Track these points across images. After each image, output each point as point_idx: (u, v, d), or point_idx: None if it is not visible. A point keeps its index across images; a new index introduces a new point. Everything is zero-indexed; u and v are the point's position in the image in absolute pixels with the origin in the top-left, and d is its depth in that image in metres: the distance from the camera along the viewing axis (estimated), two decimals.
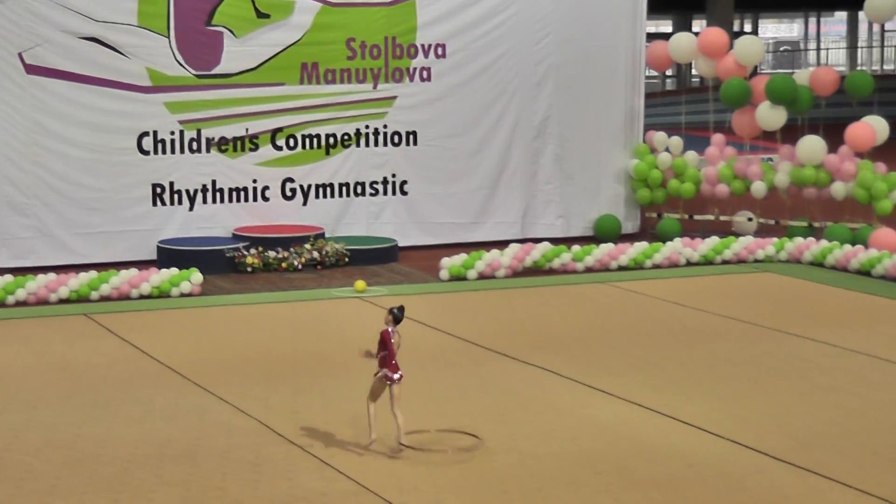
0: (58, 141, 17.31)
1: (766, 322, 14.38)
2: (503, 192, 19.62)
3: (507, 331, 13.94)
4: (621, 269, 17.69)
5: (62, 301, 15.35)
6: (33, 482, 9.07)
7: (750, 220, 19.93)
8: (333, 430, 10.21)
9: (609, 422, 10.54)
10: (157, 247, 17.49)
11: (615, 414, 10.79)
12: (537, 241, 18.13)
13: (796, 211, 19.73)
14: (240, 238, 17.70)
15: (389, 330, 9.67)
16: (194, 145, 18.05)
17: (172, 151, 17.93)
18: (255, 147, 18.38)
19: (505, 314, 14.86)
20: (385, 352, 9.65)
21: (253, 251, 17.23)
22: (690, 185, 19.90)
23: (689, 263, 18.05)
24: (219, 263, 17.05)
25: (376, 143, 18.98)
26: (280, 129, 18.46)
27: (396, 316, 9.72)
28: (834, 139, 19.02)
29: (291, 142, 18.54)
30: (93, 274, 15.65)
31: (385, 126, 19.00)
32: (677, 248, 18.07)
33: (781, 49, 65.32)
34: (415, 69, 19.05)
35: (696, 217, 20.27)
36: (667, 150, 20.24)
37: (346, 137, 18.81)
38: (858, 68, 53.08)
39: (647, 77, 21.57)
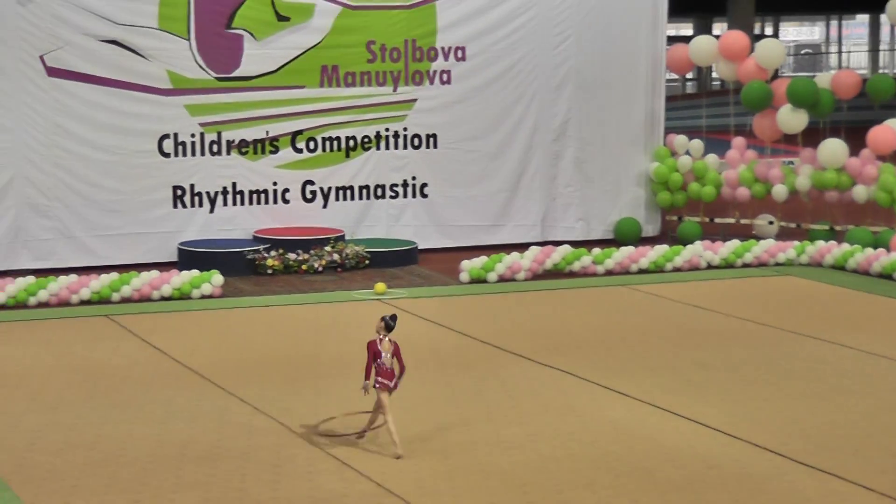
0: (79, 143, 17.37)
1: (787, 325, 14.35)
2: (523, 195, 19.61)
3: (526, 333, 13.94)
4: (641, 272, 17.67)
5: (83, 302, 15.40)
6: (55, 482, 9.10)
7: (771, 223, 19.88)
8: (353, 432, 10.21)
9: (628, 424, 10.53)
10: (178, 249, 17.54)
11: (634, 416, 10.78)
12: (557, 243, 18.13)
13: (817, 214, 19.68)
14: (260, 240, 17.73)
15: (377, 339, 9.74)
16: (215, 148, 18.09)
17: (193, 154, 17.98)
18: (276, 149, 18.41)
19: (525, 317, 14.86)
20: (379, 360, 9.72)
21: (273, 253, 17.26)
22: (711, 189, 19.87)
23: (709, 267, 18.02)
24: (239, 265, 17.09)
25: (396, 146, 19.00)
26: (300, 132, 18.49)
27: (388, 324, 9.79)
28: (855, 142, 18.97)
29: (312, 144, 18.57)
30: (114, 276, 15.69)
31: (405, 129, 19.02)
32: (698, 251, 18.05)
33: (803, 52, 65.19)
34: (435, 72, 19.06)
35: (717, 220, 20.22)
36: (687, 153, 20.21)
37: (366, 140, 18.83)
38: (880, 71, 52.95)
39: (668, 80, 21.52)
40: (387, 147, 18.95)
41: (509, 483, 9.13)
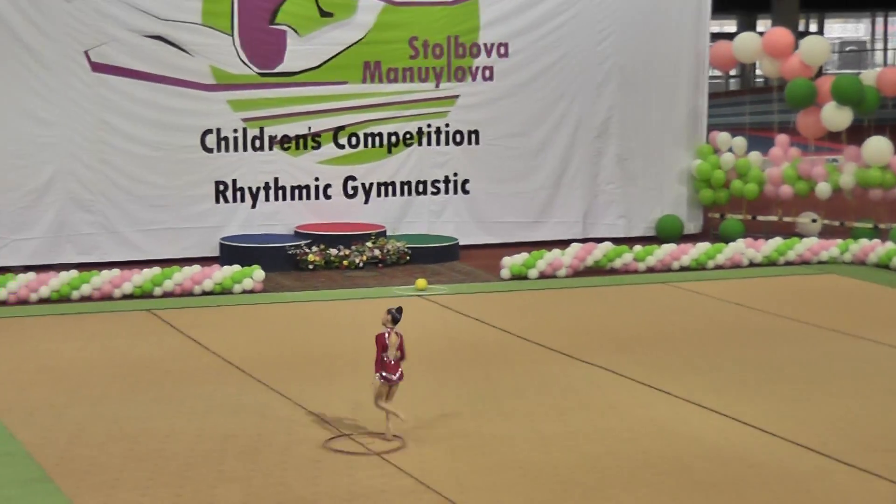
0: (122, 138, 17.46)
1: (830, 324, 14.27)
2: (565, 192, 19.58)
3: (567, 330, 13.92)
4: (683, 269, 17.62)
5: (126, 297, 15.48)
6: (98, 475, 9.16)
7: (814, 221, 19.77)
8: (393, 427, 10.22)
9: (669, 422, 10.50)
10: (220, 244, 17.61)
11: (675, 414, 10.74)
12: (599, 240, 18.09)
13: (861, 212, 19.56)
14: (302, 236, 17.78)
15: (385, 332, 9.85)
16: (257, 143, 18.15)
17: (235, 149, 18.05)
18: (318, 145, 18.45)
19: (565, 314, 14.83)
20: (384, 353, 9.83)
21: (315, 249, 17.30)
22: (754, 186, 19.77)
23: (751, 264, 17.95)
24: (281, 261, 17.14)
25: (438, 142, 19.01)
26: (342, 128, 18.52)
27: (395, 316, 9.91)
28: None
29: (353, 140, 18.60)
30: (156, 270, 15.77)
31: (447, 125, 19.02)
32: (740, 248, 17.97)
33: (847, 49, 64.74)
34: (477, 68, 19.05)
35: (760, 218, 20.13)
36: (730, 150, 20.12)
37: (407, 136, 18.85)
38: None
39: (711, 77, 21.42)
40: (428, 143, 18.96)
41: (549, 480, 9.12)
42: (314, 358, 12.62)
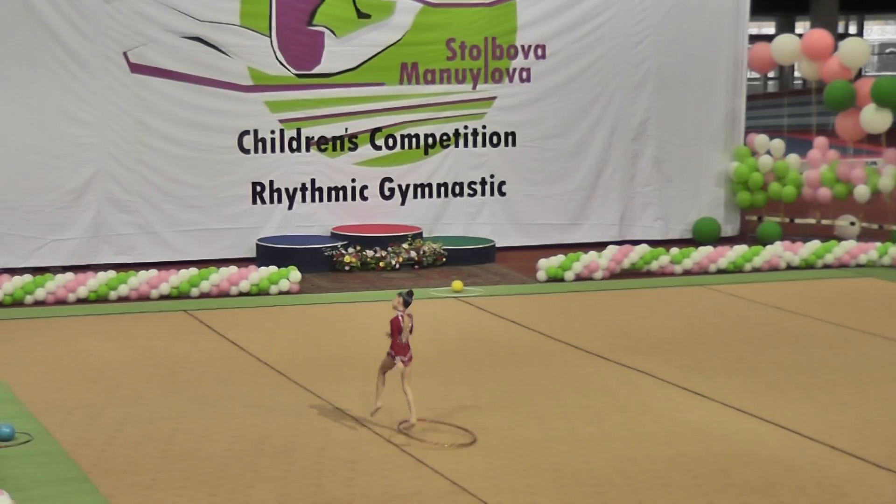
0: (161, 139, 17.53)
1: (868, 327, 14.19)
2: (601, 194, 19.55)
3: (603, 333, 13.89)
4: (720, 272, 17.56)
5: (163, 297, 15.55)
6: (134, 475, 9.19)
7: (853, 224, 19.67)
8: (429, 429, 10.23)
9: (706, 425, 10.46)
10: (257, 245, 17.66)
11: (712, 417, 10.70)
12: (635, 243, 18.06)
13: None
14: (338, 237, 17.81)
15: (399, 315, 10.17)
16: (294, 144, 18.19)
17: (272, 150, 18.10)
18: (355, 146, 18.48)
19: (602, 316, 14.80)
20: (398, 335, 10.18)
21: (351, 250, 17.33)
22: (792, 189, 19.69)
23: (789, 267, 17.88)
24: (317, 262, 17.17)
25: (475, 144, 19.01)
26: (379, 129, 18.55)
27: (406, 300, 10.22)
28: None
29: (390, 141, 18.62)
30: (193, 271, 15.83)
31: (484, 126, 19.02)
32: (778, 251, 17.90)
33: (887, 51, 64.39)
34: (514, 70, 19.05)
35: (798, 221, 20.04)
36: (768, 152, 20.05)
37: (444, 138, 18.85)
38: None
39: (749, 79, 21.35)
40: (465, 145, 18.97)
41: (584, 482, 9.10)
42: (350, 359, 12.64)
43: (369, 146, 18.53)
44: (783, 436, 10.22)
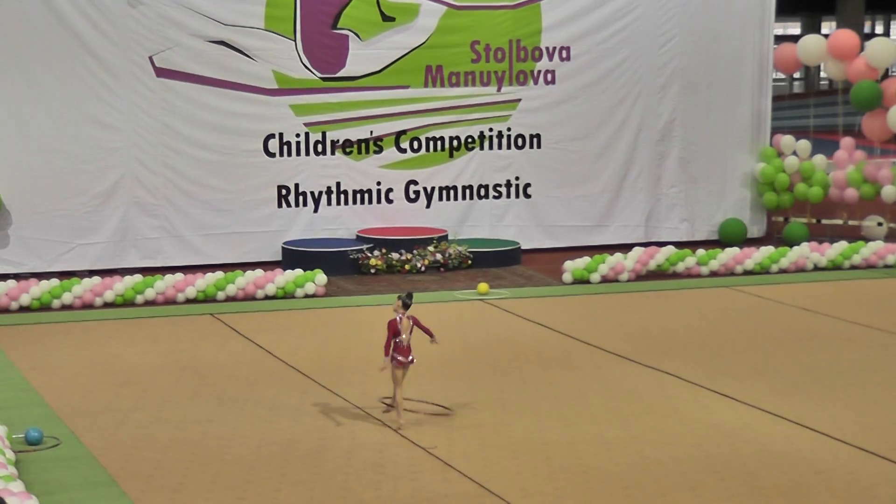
0: (186, 143, 17.58)
1: (895, 328, 14.14)
2: (627, 196, 19.51)
3: (630, 334, 13.86)
4: (747, 273, 17.51)
5: (189, 301, 15.58)
6: (162, 479, 9.21)
7: (880, 224, 19.59)
8: (456, 432, 10.23)
9: (733, 427, 10.43)
10: (282, 248, 17.67)
11: (740, 419, 10.66)
12: (661, 244, 18.02)
13: None
14: (363, 240, 17.82)
15: (398, 318, 10.28)
16: (319, 147, 18.21)
17: (298, 153, 18.12)
18: (380, 149, 18.49)
19: (628, 318, 14.77)
20: (398, 338, 10.26)
21: (376, 253, 17.33)
22: (818, 189, 19.62)
23: (816, 268, 17.81)
24: (343, 265, 17.18)
25: (500, 146, 19.00)
26: (404, 132, 18.55)
27: (405, 302, 10.38)
28: None
29: (415, 144, 18.62)
30: (219, 274, 15.86)
31: (509, 129, 19.00)
32: (804, 252, 17.83)
33: None
34: (539, 72, 19.02)
35: (824, 221, 19.97)
36: (794, 153, 19.98)
37: (469, 140, 18.85)
38: None
39: (775, 79, 21.29)
40: (490, 147, 18.95)
41: (612, 485, 9.08)
42: (376, 362, 12.61)
43: (394, 149, 18.54)
44: (812, 438, 10.18)
